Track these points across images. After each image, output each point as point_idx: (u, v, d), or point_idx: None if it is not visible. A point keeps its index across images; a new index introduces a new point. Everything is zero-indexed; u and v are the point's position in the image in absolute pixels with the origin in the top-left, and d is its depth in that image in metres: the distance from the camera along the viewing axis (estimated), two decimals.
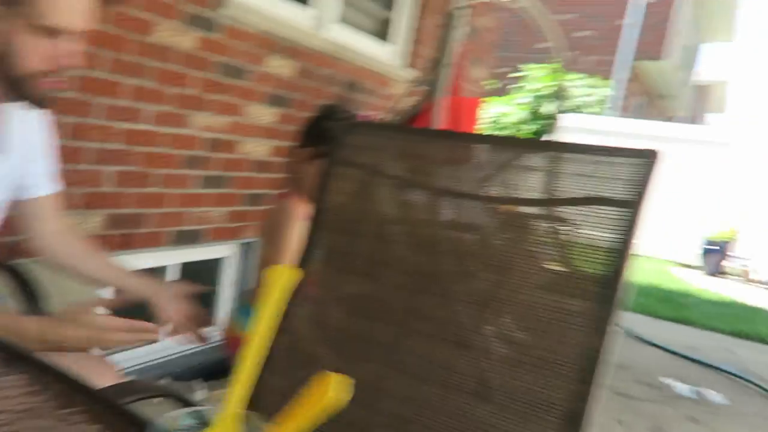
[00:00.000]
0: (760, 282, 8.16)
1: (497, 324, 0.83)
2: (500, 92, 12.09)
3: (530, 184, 0.87)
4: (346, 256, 0.93)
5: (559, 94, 4.02)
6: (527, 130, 10.27)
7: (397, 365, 0.86)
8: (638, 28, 12.64)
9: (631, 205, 0.80)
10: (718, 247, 8.45)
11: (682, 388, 3.19)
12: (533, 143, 1.02)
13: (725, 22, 16.66)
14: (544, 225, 0.86)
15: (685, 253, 8.95)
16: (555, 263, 0.84)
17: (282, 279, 0.52)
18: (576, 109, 10.94)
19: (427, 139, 0.94)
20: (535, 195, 0.87)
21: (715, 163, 9.12)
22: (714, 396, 3.13)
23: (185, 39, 2.22)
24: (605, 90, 11.47)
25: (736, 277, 8.34)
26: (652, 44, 12.64)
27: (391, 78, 3.60)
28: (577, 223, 0.83)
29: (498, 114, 10.50)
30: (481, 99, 4.87)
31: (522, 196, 0.87)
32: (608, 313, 0.80)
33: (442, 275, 0.83)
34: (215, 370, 2.44)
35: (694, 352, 3.92)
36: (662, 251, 9.28)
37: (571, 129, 9.71)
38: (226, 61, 2.41)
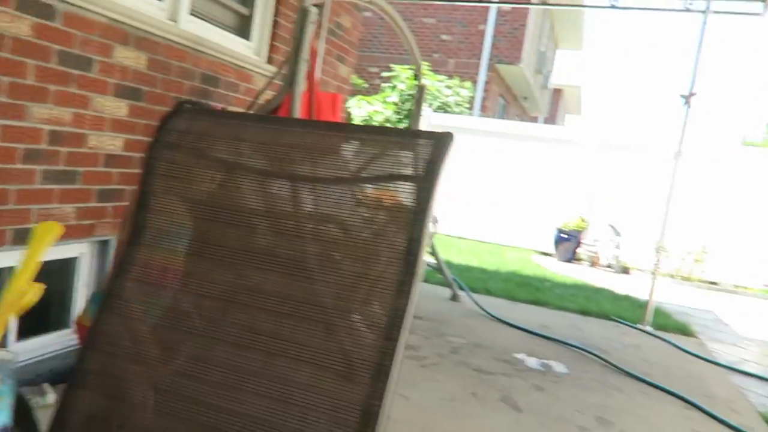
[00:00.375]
0: (607, 266, 9.10)
1: (314, 293, 0.90)
2: (372, 91, 12.40)
3: (341, 164, 0.95)
4: (173, 236, 0.96)
5: (421, 96, 4.21)
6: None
7: (223, 337, 0.90)
8: (498, 34, 13.50)
9: (427, 181, 0.90)
10: (570, 236, 9.29)
11: (531, 361, 3.51)
12: (343, 127, 1.10)
13: (575, 33, 18.28)
14: (353, 199, 0.93)
15: (544, 242, 9.75)
16: (366, 234, 0.92)
17: (48, 234, 0.54)
18: (441, 109, 11.51)
19: (250, 123, 0.99)
20: (347, 174, 0.95)
21: (566, 159, 10.01)
22: (558, 367, 3.47)
23: (20, 25, 2.08)
24: (467, 91, 12.17)
25: (586, 262, 9.23)
26: (510, 49, 13.56)
27: (252, 73, 3.59)
28: (383, 198, 0.92)
29: (370, 112, 10.76)
30: (345, 95, 4.99)
31: (336, 175, 0.95)
32: (410, 277, 0.89)
33: (252, 247, 0.88)
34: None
35: (545, 330, 4.30)
36: (524, 241, 10.04)
37: (437, 127, 10.18)
38: (69, 50, 2.29)
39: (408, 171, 0.93)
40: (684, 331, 5.00)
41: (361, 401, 0.84)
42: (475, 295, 4.98)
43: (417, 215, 0.91)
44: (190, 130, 0.99)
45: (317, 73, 3.34)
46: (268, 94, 3.18)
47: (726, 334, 5.44)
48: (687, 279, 8.96)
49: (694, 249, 9.04)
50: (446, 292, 5.03)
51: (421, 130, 0.94)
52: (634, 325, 4.91)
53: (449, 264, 6.26)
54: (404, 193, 0.93)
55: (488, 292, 5.39)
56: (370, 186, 0.95)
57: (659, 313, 5.28)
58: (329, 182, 0.95)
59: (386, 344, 0.88)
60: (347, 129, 1.04)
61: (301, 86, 2.78)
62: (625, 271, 8.95)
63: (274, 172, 0.94)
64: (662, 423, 2.87)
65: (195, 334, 0.93)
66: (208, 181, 0.97)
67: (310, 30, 2.70)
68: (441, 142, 0.95)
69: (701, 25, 5.00)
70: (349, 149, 0.97)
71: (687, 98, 4.99)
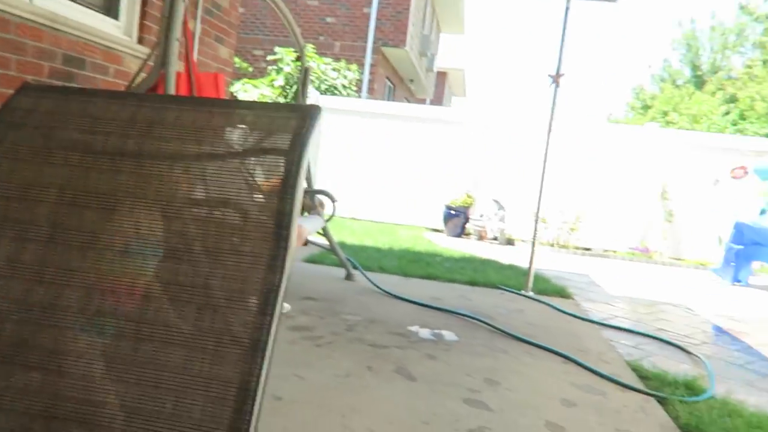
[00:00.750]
0: (493, 239, 9.59)
1: (184, 272, 0.87)
2: (258, 74, 12.10)
3: (210, 139, 0.92)
4: (23, 224, 0.89)
5: (306, 78, 4.15)
6: None
7: (85, 327, 0.85)
8: (382, 17, 13.63)
9: (294, 153, 0.90)
10: (458, 212, 9.68)
11: (424, 332, 3.64)
12: (206, 102, 1.08)
13: (456, 17, 18.87)
14: (220, 174, 0.91)
15: (434, 219, 10.09)
16: (235, 210, 0.91)
17: None
18: (329, 91, 11.48)
19: (103, 100, 0.93)
20: (218, 149, 0.92)
21: (451, 139, 10.38)
22: (449, 335, 3.63)
23: None
24: (354, 73, 12.22)
25: (474, 236, 9.68)
26: (394, 32, 13.75)
27: (122, 54, 3.38)
28: (255, 172, 0.91)
29: (258, 96, 10.50)
30: (228, 77, 4.84)
31: (201, 151, 0.92)
32: (283, 251, 0.89)
33: (119, 232, 0.84)
34: None
35: (437, 301, 4.47)
36: (416, 219, 10.33)
37: (326, 110, 10.15)
38: None
39: (274, 144, 0.93)
40: (562, 293, 5.41)
41: (238, 378, 0.83)
42: (369, 274, 5.06)
43: (286, 189, 0.90)
44: (36, 109, 0.92)
45: (194, 54, 3.21)
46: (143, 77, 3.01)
47: (598, 293, 5.95)
48: (564, 247, 9.67)
49: (570, 219, 9.76)
50: (341, 272, 5.07)
51: (287, 104, 0.94)
52: (517, 292, 5.23)
53: (343, 245, 6.30)
54: (272, 167, 0.93)
55: (382, 270, 5.50)
56: (237, 161, 0.93)
57: (540, 279, 5.66)
58: (193, 158, 0.92)
59: (261, 320, 0.87)
60: (210, 104, 1.01)
61: (174, 66, 2.65)
62: (509, 242, 9.49)
63: (130, 150, 0.90)
64: (543, 378, 3.09)
65: (53, 326, 0.87)
66: (61, 163, 0.90)
67: (180, 8, 2.58)
68: (307, 114, 0.95)
69: (564, 9, 5.35)
70: (213, 125, 0.95)
71: (555, 78, 5.34)
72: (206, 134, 0.95)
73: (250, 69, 12.24)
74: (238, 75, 11.32)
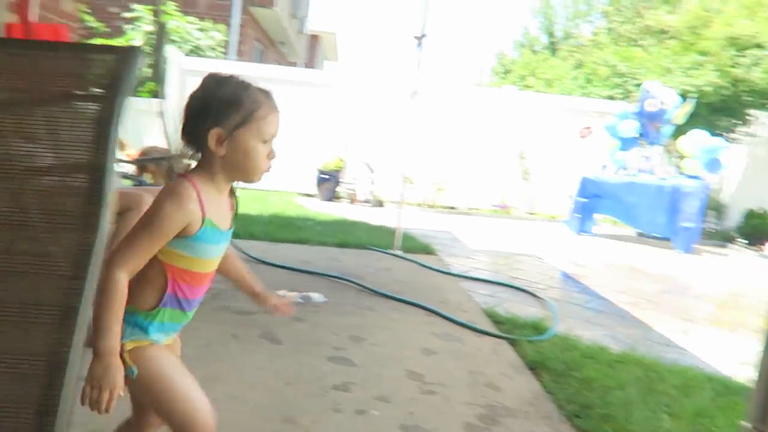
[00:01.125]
0: (364, 201, 9.74)
1: None
2: (114, 33, 11.07)
3: (11, 84, 0.83)
4: None
5: (162, 36, 3.83)
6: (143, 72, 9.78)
7: None
8: None
9: (110, 100, 0.83)
10: (330, 176, 9.69)
11: (292, 296, 3.63)
12: (9, 43, 0.97)
13: None
14: (28, 127, 0.83)
15: (306, 183, 10.01)
16: (39, 164, 0.83)
17: None
18: (194, 53, 10.84)
19: None
20: (20, 96, 0.83)
21: (322, 102, 10.28)
22: (317, 297, 3.66)
23: None
24: (221, 34, 11.62)
25: (346, 200, 9.77)
26: None
27: None
28: (61, 122, 0.83)
29: None
30: (73, 33, 4.39)
31: (6, 99, 0.83)
32: (98, 209, 0.83)
33: None
34: None
35: (306, 265, 4.47)
36: (287, 185, 10.18)
37: (190, 72, 9.60)
38: None
39: (87, 89, 0.85)
40: (427, 250, 5.66)
41: (46, 350, 0.78)
42: (236, 241, 4.93)
43: (100, 140, 0.84)
44: None
45: (33, 7, 2.86)
46: None
47: (460, 249, 6.29)
48: (432, 206, 10.07)
49: (437, 179, 10.15)
50: None
51: (102, 45, 0.86)
52: (386, 251, 5.38)
53: None
54: (83, 115, 0.86)
55: (251, 237, 5.39)
56: (43, 109, 0.85)
57: (407, 237, 5.86)
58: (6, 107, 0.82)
59: (72, 284, 0.81)
60: (11, 45, 0.91)
61: (7, 16, 2.35)
62: (380, 204, 9.70)
63: None
64: (407, 331, 3.24)
65: None
66: None
67: None
68: (126, 56, 0.88)
69: None
70: (15, 68, 0.85)
71: (419, 39, 5.44)
72: (6, 79, 0.85)
73: (106, 29, 11.15)
74: (91, 34, 10.28)
